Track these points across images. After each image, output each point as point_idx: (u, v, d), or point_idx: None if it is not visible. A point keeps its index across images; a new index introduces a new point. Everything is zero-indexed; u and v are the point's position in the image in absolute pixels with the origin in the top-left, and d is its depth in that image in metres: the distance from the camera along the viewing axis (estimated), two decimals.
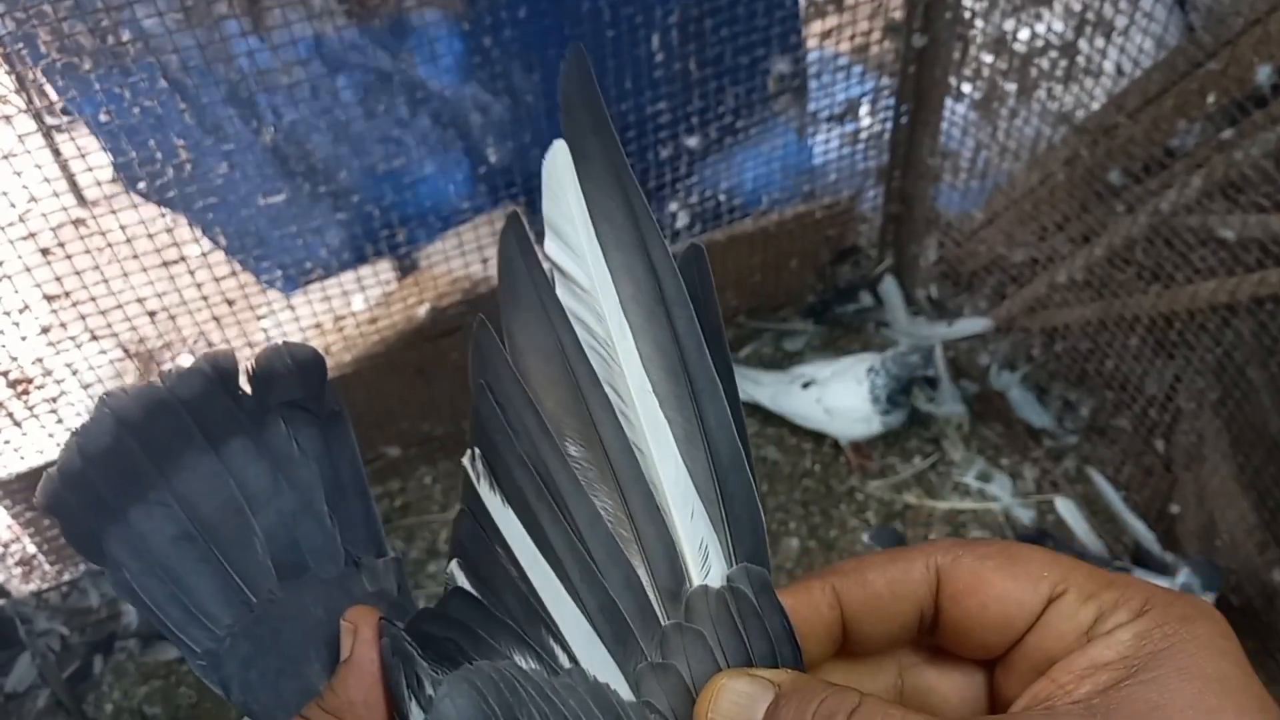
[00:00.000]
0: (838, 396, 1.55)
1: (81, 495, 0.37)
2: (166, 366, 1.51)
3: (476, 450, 0.34)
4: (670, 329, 0.32)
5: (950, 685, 0.34)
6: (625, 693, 0.32)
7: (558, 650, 0.33)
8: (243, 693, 0.38)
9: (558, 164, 0.32)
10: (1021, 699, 0.30)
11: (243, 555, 0.39)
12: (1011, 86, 1.49)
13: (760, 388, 1.65)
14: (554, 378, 0.32)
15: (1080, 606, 0.29)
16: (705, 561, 0.32)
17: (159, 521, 0.38)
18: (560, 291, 0.32)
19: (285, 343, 0.40)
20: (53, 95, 1.10)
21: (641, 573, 0.32)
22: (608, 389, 0.32)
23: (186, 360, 1.49)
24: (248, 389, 0.40)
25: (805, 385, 1.60)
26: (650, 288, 0.32)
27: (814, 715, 0.28)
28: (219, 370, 0.38)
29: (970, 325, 1.67)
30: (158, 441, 0.37)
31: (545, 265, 0.32)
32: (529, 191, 1.45)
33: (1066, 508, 1.52)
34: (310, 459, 0.40)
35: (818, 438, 1.66)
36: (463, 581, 0.35)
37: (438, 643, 0.35)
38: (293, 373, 0.40)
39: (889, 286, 1.81)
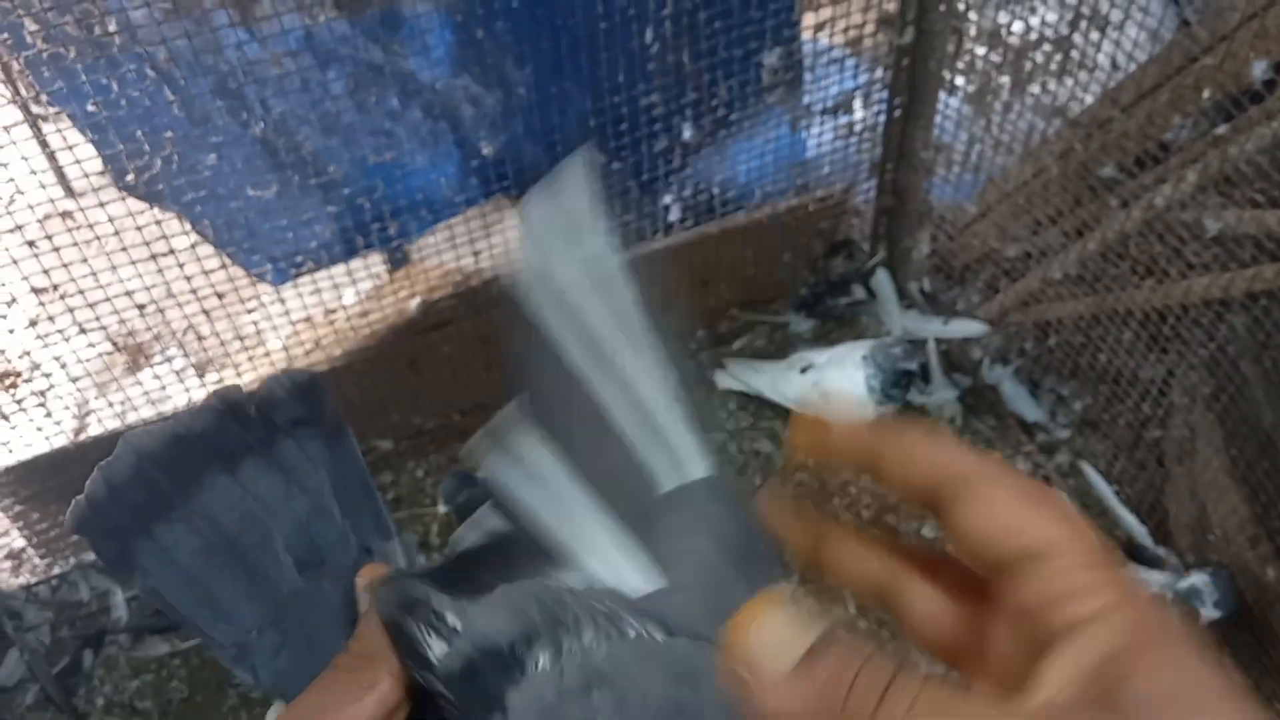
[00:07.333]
0: (834, 380, 1.54)
1: (108, 517, 0.41)
2: (156, 359, 1.50)
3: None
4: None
5: (929, 608, 0.35)
6: (640, 580, 0.38)
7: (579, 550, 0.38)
8: (272, 677, 0.42)
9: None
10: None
11: (264, 557, 0.43)
12: (1005, 80, 1.48)
13: (759, 375, 1.65)
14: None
15: (1076, 571, 0.30)
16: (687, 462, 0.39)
17: (183, 536, 0.41)
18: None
19: (285, 370, 0.44)
20: (38, 86, 1.09)
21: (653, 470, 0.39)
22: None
23: (175, 353, 1.49)
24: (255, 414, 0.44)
25: (804, 370, 1.60)
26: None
27: (855, 678, 0.26)
28: (227, 403, 0.43)
29: (964, 327, 1.67)
30: (176, 469, 0.41)
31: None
32: (520, 184, 1.44)
33: None
34: (319, 466, 0.44)
35: None
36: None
37: (478, 569, 0.39)
38: (293, 395, 0.44)
39: (882, 280, 1.80)
